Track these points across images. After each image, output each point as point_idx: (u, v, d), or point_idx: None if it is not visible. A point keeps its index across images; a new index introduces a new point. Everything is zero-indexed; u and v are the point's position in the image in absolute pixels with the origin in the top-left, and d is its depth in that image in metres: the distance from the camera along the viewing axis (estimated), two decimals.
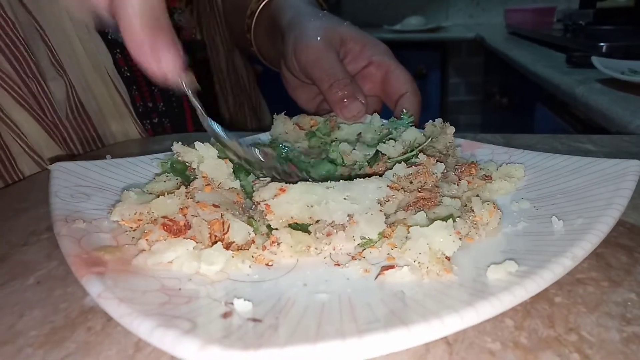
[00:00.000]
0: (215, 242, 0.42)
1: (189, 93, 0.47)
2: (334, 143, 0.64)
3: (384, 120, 0.69)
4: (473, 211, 0.45)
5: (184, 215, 0.44)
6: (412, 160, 0.54)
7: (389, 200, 0.47)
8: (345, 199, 0.44)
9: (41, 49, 0.78)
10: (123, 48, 0.91)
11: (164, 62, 0.44)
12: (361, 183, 0.45)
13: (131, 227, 0.45)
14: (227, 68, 1.13)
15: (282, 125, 0.70)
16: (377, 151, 0.58)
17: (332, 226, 0.44)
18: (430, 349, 0.33)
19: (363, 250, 0.43)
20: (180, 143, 0.53)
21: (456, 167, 0.56)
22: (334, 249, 0.43)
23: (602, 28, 2.13)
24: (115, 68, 0.89)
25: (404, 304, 0.35)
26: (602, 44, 1.58)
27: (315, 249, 0.43)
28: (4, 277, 0.43)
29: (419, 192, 0.49)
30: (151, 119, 0.96)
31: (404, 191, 0.49)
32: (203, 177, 0.49)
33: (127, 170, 0.58)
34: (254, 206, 0.47)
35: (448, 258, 0.39)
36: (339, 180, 0.46)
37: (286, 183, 0.45)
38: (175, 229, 0.43)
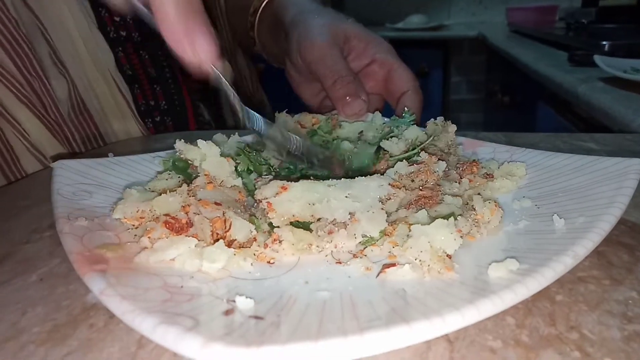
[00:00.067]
0: (217, 240, 0.42)
1: (224, 80, 0.47)
2: (335, 141, 0.64)
3: (386, 119, 0.69)
4: (474, 209, 0.45)
5: (186, 213, 0.44)
6: (414, 158, 0.54)
7: (390, 199, 0.47)
8: (346, 197, 0.44)
9: (43, 48, 0.78)
10: (125, 47, 0.91)
11: (198, 49, 0.43)
12: (363, 181, 0.46)
13: (133, 225, 0.46)
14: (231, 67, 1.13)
15: (284, 123, 0.70)
16: (379, 149, 0.58)
17: (333, 224, 0.44)
18: (432, 346, 0.33)
19: (364, 248, 0.43)
20: (182, 141, 0.53)
21: (458, 165, 0.56)
22: (335, 247, 0.43)
23: (604, 26, 2.13)
24: (117, 67, 0.89)
25: (405, 301, 0.35)
26: (604, 42, 1.58)
27: (317, 246, 0.43)
28: (7, 275, 0.44)
29: (421, 190, 0.49)
30: (153, 118, 0.96)
31: (406, 189, 0.49)
32: (205, 175, 0.50)
33: (129, 168, 0.59)
34: (255, 204, 0.47)
35: (449, 256, 0.40)
36: (340, 178, 0.46)
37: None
38: (178, 227, 0.43)
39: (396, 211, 0.47)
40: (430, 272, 0.38)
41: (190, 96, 1.01)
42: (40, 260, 0.46)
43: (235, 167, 0.51)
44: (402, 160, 0.52)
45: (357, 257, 0.42)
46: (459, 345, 0.33)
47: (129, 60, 0.90)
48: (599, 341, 0.33)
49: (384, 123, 0.68)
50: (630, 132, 1.02)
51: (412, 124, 0.64)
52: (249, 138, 0.68)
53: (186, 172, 0.53)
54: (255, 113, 0.53)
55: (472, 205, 0.46)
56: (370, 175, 0.47)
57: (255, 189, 0.48)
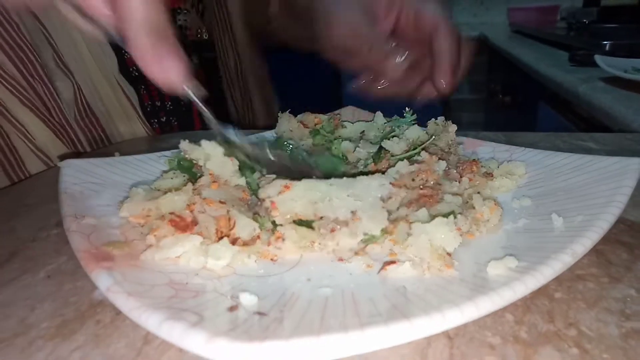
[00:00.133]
0: (222, 238, 0.43)
1: (195, 99, 0.48)
2: (336, 141, 0.64)
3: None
4: (474, 208, 0.46)
5: (191, 211, 0.45)
6: (415, 158, 0.54)
7: (391, 198, 0.48)
8: (348, 196, 0.45)
9: (48, 53, 0.79)
10: None
11: (169, 71, 0.44)
12: (364, 180, 0.46)
13: (139, 223, 0.46)
14: (236, 67, 1.13)
15: (287, 123, 0.71)
16: (380, 148, 0.58)
17: (335, 222, 0.44)
18: (432, 342, 0.33)
19: (366, 246, 0.44)
20: (187, 141, 0.54)
21: (458, 164, 0.57)
22: (337, 245, 0.44)
23: (605, 26, 2.13)
24: (121, 70, 0.89)
25: (406, 298, 0.35)
26: (605, 42, 1.58)
27: (319, 244, 0.44)
28: (16, 272, 0.44)
29: (421, 189, 0.50)
30: (159, 118, 0.97)
31: (406, 188, 0.50)
32: (210, 174, 0.50)
33: (135, 168, 0.59)
34: (259, 203, 0.48)
35: (449, 254, 0.40)
36: (342, 178, 0.46)
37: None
38: (183, 225, 0.44)
39: (397, 210, 0.48)
40: (430, 269, 0.39)
41: None
42: (48, 257, 0.46)
43: (239, 167, 0.52)
44: (403, 160, 0.53)
45: (358, 254, 0.42)
46: (459, 342, 0.33)
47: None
48: (597, 338, 0.33)
49: (385, 123, 0.69)
50: (630, 131, 1.03)
51: (413, 124, 0.64)
52: (253, 137, 0.69)
53: (191, 172, 0.54)
54: (232, 130, 0.53)
55: (472, 204, 0.46)
56: (372, 174, 0.48)
57: (259, 187, 0.48)
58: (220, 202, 0.46)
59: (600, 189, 0.47)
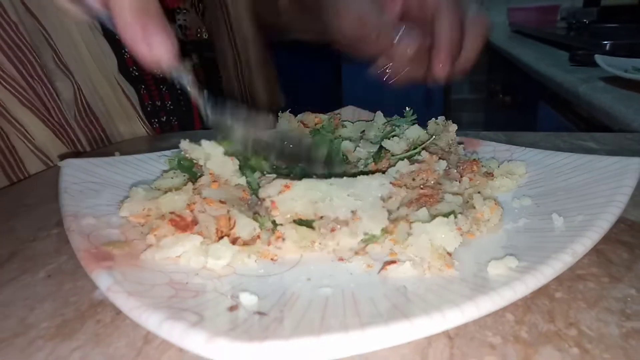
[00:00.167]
0: (222, 238, 0.43)
1: (182, 79, 0.47)
2: (336, 140, 0.64)
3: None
4: (475, 208, 0.46)
5: (191, 211, 0.45)
6: (415, 157, 0.54)
7: (391, 197, 0.48)
8: (348, 195, 0.45)
9: (47, 53, 0.79)
10: None
11: (155, 47, 0.44)
12: (364, 180, 0.46)
13: (139, 223, 0.46)
14: (236, 67, 1.13)
15: (287, 123, 0.71)
16: (380, 148, 0.58)
17: (336, 222, 0.44)
18: (432, 342, 0.33)
19: (366, 246, 0.43)
20: (187, 140, 0.54)
21: (458, 164, 0.57)
22: (337, 245, 0.44)
23: (605, 26, 2.13)
24: (121, 70, 0.89)
25: (406, 298, 0.35)
26: (605, 42, 1.58)
27: (320, 244, 0.44)
28: (15, 272, 0.44)
29: (421, 189, 0.50)
30: (159, 118, 0.97)
31: (407, 188, 0.50)
32: (210, 173, 0.50)
33: (135, 167, 0.59)
34: (259, 202, 0.48)
35: (449, 254, 0.40)
36: (342, 177, 0.46)
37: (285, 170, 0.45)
38: (183, 225, 0.44)
39: (397, 209, 0.48)
40: (430, 269, 0.39)
41: None
42: (48, 257, 0.46)
43: (239, 166, 0.52)
44: (403, 159, 0.53)
45: (358, 254, 0.42)
46: (459, 342, 0.33)
47: (135, 61, 0.91)
48: (597, 338, 0.33)
49: (385, 123, 0.69)
50: (630, 131, 1.03)
51: (414, 124, 0.64)
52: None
53: (191, 171, 0.54)
54: (225, 104, 0.52)
55: (472, 204, 0.46)
56: (372, 174, 0.48)
57: (259, 187, 0.48)
58: (221, 201, 0.46)
59: (600, 189, 0.47)
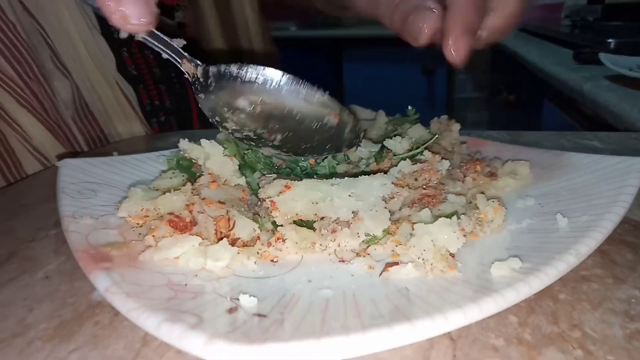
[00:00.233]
0: (221, 239, 0.42)
1: (155, 43, 0.45)
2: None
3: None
4: (478, 208, 0.45)
5: (190, 211, 0.45)
6: (417, 157, 0.54)
7: (393, 197, 0.47)
8: (350, 195, 0.44)
9: (45, 53, 0.78)
10: (130, 47, 0.91)
11: (128, 9, 0.41)
12: (366, 180, 0.46)
13: (138, 224, 0.46)
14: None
15: None
16: (382, 147, 0.58)
17: (337, 223, 0.44)
18: (434, 344, 0.33)
19: (368, 247, 0.43)
20: (186, 140, 0.54)
21: (461, 164, 0.57)
22: (338, 246, 0.43)
23: (610, 24, 2.11)
24: (119, 69, 0.89)
25: (408, 300, 0.35)
26: (610, 40, 1.57)
27: (320, 245, 0.43)
28: (14, 272, 0.44)
29: (424, 189, 0.49)
30: (158, 118, 0.97)
31: (409, 188, 0.49)
32: (209, 174, 0.50)
33: (133, 167, 0.59)
34: (259, 203, 0.48)
35: (452, 255, 0.40)
36: (343, 177, 0.46)
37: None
38: (182, 225, 0.43)
39: (399, 210, 0.47)
40: (433, 270, 0.38)
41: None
42: (46, 258, 0.46)
43: (239, 166, 0.52)
44: (405, 159, 0.53)
45: (360, 255, 0.42)
46: (462, 343, 0.33)
47: (134, 60, 0.91)
48: (601, 339, 0.33)
49: (387, 122, 0.68)
50: (635, 130, 1.02)
51: (416, 123, 0.64)
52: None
53: (190, 171, 0.53)
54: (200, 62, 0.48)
55: (476, 204, 0.46)
56: (374, 174, 0.47)
57: (259, 187, 0.48)
58: (220, 202, 0.46)
59: (604, 189, 0.46)
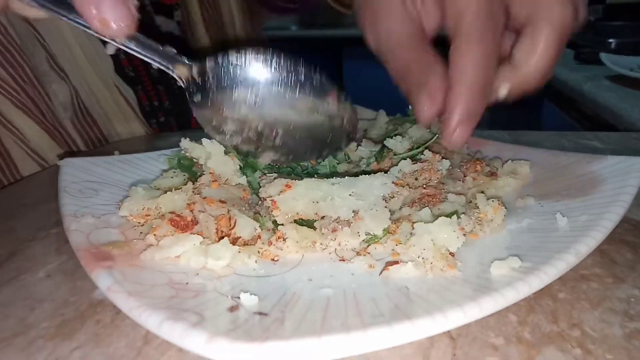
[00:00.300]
0: (222, 238, 0.42)
1: (135, 49, 0.42)
2: None
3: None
4: (478, 208, 0.46)
5: (191, 210, 0.45)
6: (418, 156, 0.54)
7: (394, 197, 0.47)
8: (350, 195, 0.44)
9: (41, 55, 0.78)
10: None
11: (106, 14, 0.39)
12: (366, 179, 0.46)
13: (139, 223, 0.46)
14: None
15: None
16: (383, 147, 0.58)
17: (337, 222, 0.44)
18: (434, 343, 0.33)
19: (368, 246, 0.43)
20: (188, 139, 0.54)
21: (462, 163, 0.57)
22: (339, 245, 0.43)
23: (611, 24, 2.11)
24: (117, 71, 0.89)
25: (408, 299, 0.35)
26: (611, 40, 1.57)
27: (321, 244, 0.43)
28: (15, 271, 0.44)
29: (424, 188, 0.50)
30: (157, 118, 0.97)
31: (409, 188, 0.49)
32: (210, 173, 0.50)
33: (134, 167, 0.59)
34: (260, 202, 0.48)
35: (452, 254, 0.40)
36: (344, 177, 0.46)
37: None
38: (183, 224, 0.43)
39: (400, 209, 0.47)
40: (433, 269, 0.38)
41: None
42: (47, 257, 0.46)
43: (240, 166, 0.52)
44: (406, 159, 0.53)
45: (360, 254, 0.42)
46: (462, 342, 0.33)
47: (131, 62, 0.91)
48: (600, 338, 0.33)
49: (387, 121, 0.68)
50: (636, 130, 1.02)
51: (417, 122, 0.64)
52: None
53: (191, 170, 0.53)
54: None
55: (476, 204, 0.46)
56: (374, 173, 0.47)
57: (260, 187, 0.48)
58: (221, 201, 0.46)
59: (604, 189, 0.46)
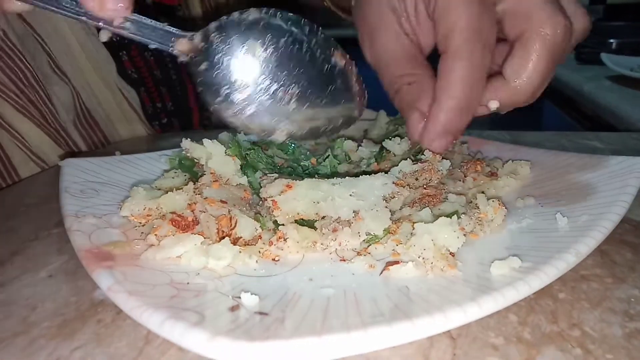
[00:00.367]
0: (223, 238, 0.43)
1: (133, 33, 0.40)
2: (339, 140, 0.64)
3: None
4: (478, 208, 0.46)
5: (192, 210, 0.45)
6: (418, 156, 0.54)
7: (394, 197, 0.47)
8: (351, 195, 0.44)
9: (42, 58, 0.78)
10: (129, 50, 0.91)
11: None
12: (367, 180, 0.46)
13: (140, 223, 0.46)
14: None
15: None
16: (383, 147, 0.58)
17: (338, 222, 0.44)
18: (434, 343, 0.33)
19: (368, 246, 0.43)
20: (189, 139, 0.54)
21: (462, 164, 0.57)
22: (339, 245, 0.43)
23: (611, 24, 2.11)
24: (119, 73, 0.89)
25: (408, 298, 0.35)
26: (611, 40, 1.57)
27: (321, 244, 0.43)
28: (17, 271, 0.44)
29: (425, 188, 0.50)
30: (160, 120, 0.97)
31: (410, 188, 0.49)
32: (211, 173, 0.50)
33: (136, 167, 0.59)
34: (261, 202, 0.48)
35: (452, 254, 0.40)
36: (345, 177, 0.46)
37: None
38: (184, 225, 0.44)
39: (400, 209, 0.47)
40: (433, 269, 0.39)
41: (196, 96, 1.01)
42: (49, 257, 0.46)
43: (241, 166, 0.52)
44: (406, 159, 0.53)
45: (361, 254, 0.42)
46: (462, 342, 0.33)
47: (134, 64, 0.90)
48: (600, 338, 0.33)
49: (387, 122, 0.68)
50: (636, 131, 1.02)
51: None
52: (253, 137, 0.68)
53: (192, 171, 0.53)
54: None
55: (476, 204, 0.46)
56: (375, 173, 0.47)
57: (261, 187, 0.48)
58: (222, 201, 0.46)
59: (604, 189, 0.46)
